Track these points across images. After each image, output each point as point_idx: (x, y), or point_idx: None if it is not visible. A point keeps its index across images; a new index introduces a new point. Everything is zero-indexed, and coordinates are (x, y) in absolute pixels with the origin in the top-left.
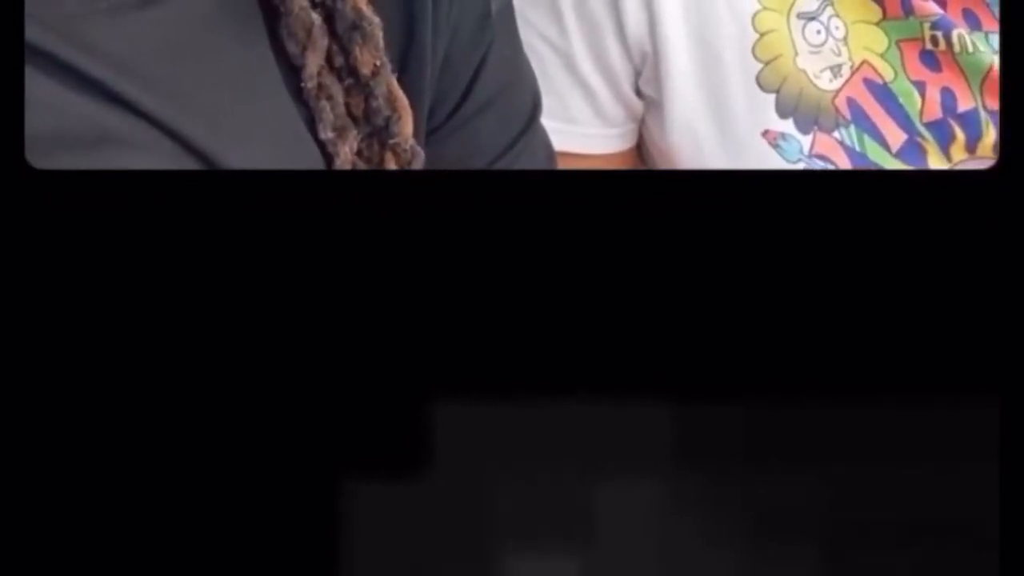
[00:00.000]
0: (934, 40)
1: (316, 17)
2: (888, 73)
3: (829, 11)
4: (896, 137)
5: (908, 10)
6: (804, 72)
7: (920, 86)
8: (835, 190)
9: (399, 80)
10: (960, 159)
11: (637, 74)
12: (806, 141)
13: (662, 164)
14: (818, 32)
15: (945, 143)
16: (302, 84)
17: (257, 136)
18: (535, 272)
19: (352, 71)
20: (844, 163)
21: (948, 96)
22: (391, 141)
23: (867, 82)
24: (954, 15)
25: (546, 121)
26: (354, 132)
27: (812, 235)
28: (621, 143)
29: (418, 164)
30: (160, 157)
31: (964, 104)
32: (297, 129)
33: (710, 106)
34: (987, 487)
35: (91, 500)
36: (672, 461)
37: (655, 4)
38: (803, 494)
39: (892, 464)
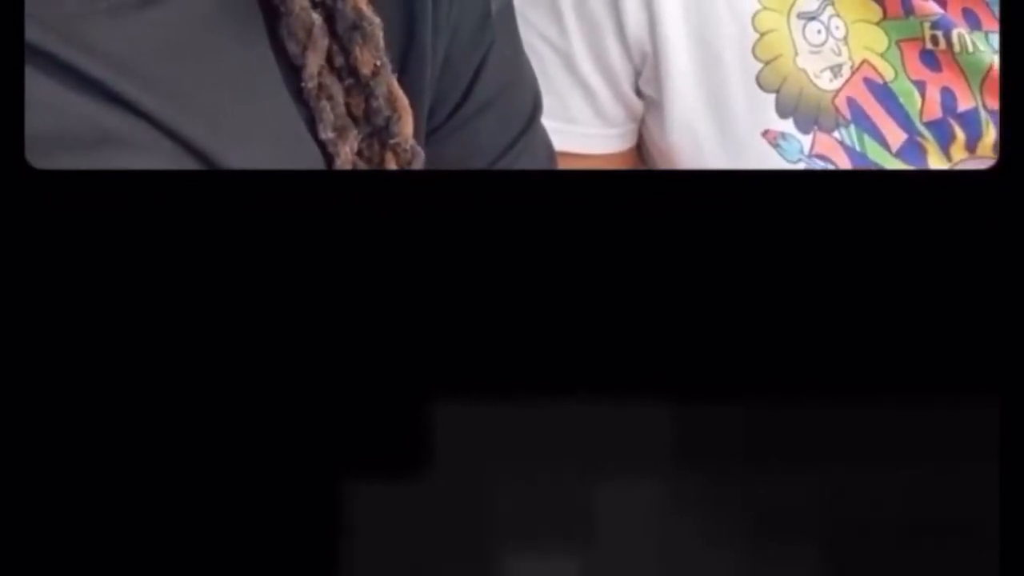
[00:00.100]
0: (934, 40)
1: (316, 17)
2: (888, 73)
3: (829, 11)
4: (896, 137)
5: (908, 10)
6: (804, 72)
7: (920, 86)
8: (835, 190)
9: (399, 80)
10: (960, 159)
11: (637, 74)
12: (806, 141)
13: (662, 164)
14: (818, 32)
15: (945, 143)
16: (302, 84)
17: (257, 136)
18: (535, 272)
19: (352, 71)
20: (844, 163)
21: (948, 96)
22: (391, 141)
23: (867, 82)
24: (954, 15)
25: (546, 121)
26: (354, 132)
27: (812, 235)
28: (621, 143)
29: (418, 164)
30: (160, 157)
31: (964, 104)
32: (297, 129)
33: (710, 106)
34: (987, 487)
35: (92, 500)
36: (672, 461)
37: (655, 4)
38: (803, 494)
39: (892, 464)
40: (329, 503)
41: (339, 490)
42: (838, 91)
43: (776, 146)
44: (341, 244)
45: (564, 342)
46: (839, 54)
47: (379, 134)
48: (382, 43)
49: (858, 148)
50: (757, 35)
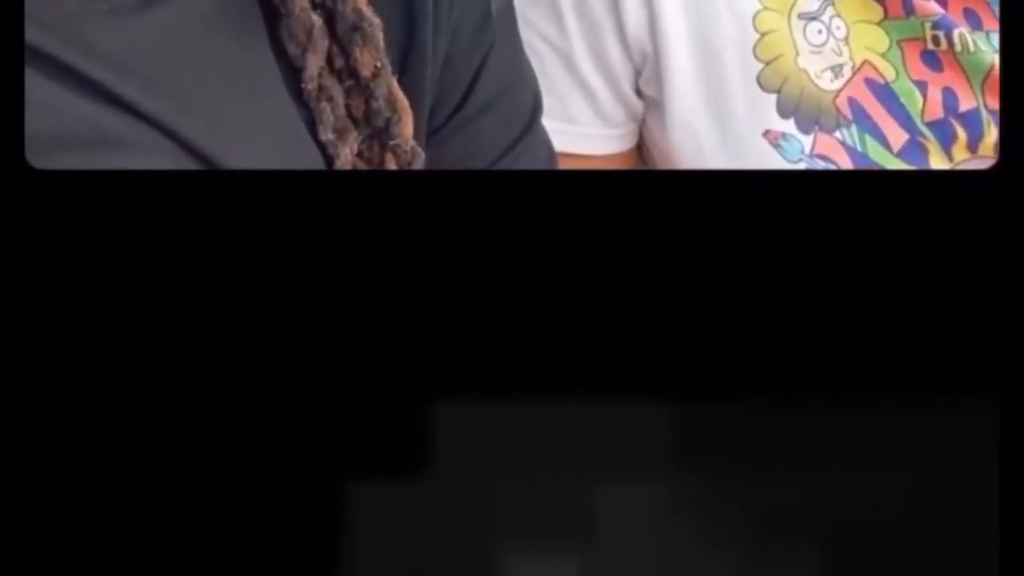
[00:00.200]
0: (935, 40)
1: (317, 18)
2: (890, 73)
3: (830, 11)
4: (898, 137)
5: (909, 10)
6: (805, 72)
7: (922, 86)
8: (834, 190)
9: (400, 81)
10: (962, 159)
11: (637, 74)
12: (807, 141)
13: (662, 164)
14: (819, 32)
15: (947, 143)
16: (302, 85)
17: (257, 138)
18: (535, 272)
19: (352, 72)
20: (846, 163)
21: (949, 96)
22: (391, 142)
23: (868, 82)
24: (955, 14)
25: (546, 121)
26: (354, 133)
27: (812, 235)
28: (621, 144)
29: (418, 165)
30: (160, 158)
31: (965, 104)
32: (297, 130)
33: (710, 106)
34: (987, 487)
35: (91, 500)
36: (672, 461)
37: (655, 3)
38: (803, 494)
39: (892, 464)
40: (329, 503)
41: (339, 490)
42: (839, 91)
43: (777, 146)
44: (341, 244)
45: (564, 342)
46: (840, 54)
47: (379, 135)
48: (382, 44)
49: (860, 148)
50: (758, 35)
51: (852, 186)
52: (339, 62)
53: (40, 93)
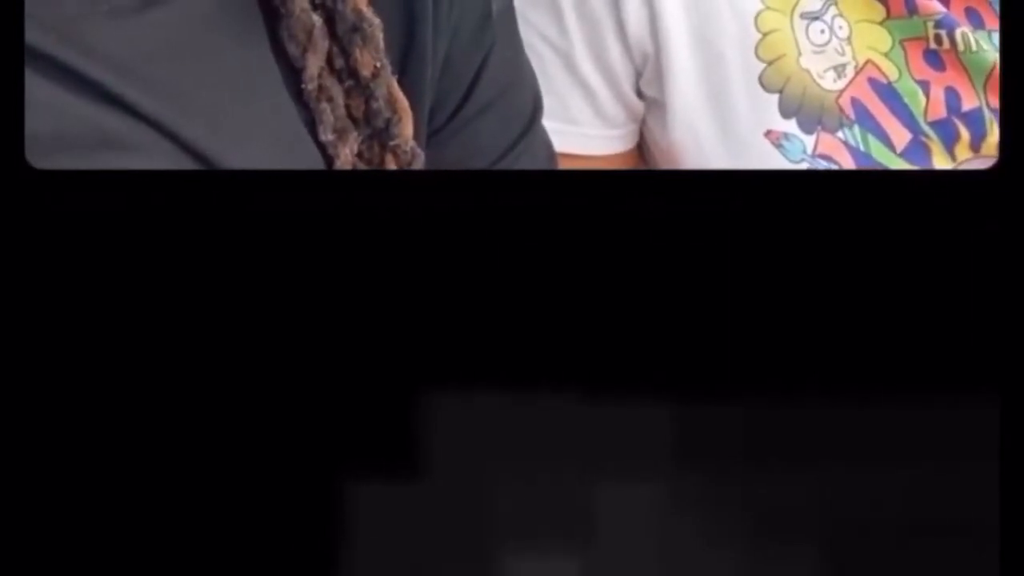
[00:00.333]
0: (938, 39)
1: (317, 19)
2: (892, 72)
3: (833, 11)
4: (901, 137)
5: (912, 9)
6: (808, 72)
7: (924, 85)
8: (835, 190)
9: (399, 81)
10: (965, 158)
11: (638, 75)
12: (809, 141)
13: (663, 164)
14: (822, 32)
15: (950, 142)
16: (302, 86)
17: (257, 138)
18: (535, 272)
19: (352, 73)
20: (848, 163)
21: (952, 95)
22: (391, 143)
23: (871, 82)
24: (958, 14)
25: (546, 122)
26: (354, 134)
27: (813, 235)
28: (622, 144)
29: (418, 165)
30: (160, 159)
31: (968, 103)
32: (297, 131)
33: (711, 106)
34: (987, 487)
35: (91, 500)
36: (672, 461)
37: (656, 3)
38: (803, 494)
39: (892, 464)
40: (329, 503)
41: (339, 490)
42: (842, 91)
43: (779, 146)
44: (341, 244)
45: (564, 342)
46: (843, 54)
47: (379, 136)
48: (382, 45)
49: (862, 148)
50: (760, 35)
51: (852, 186)
52: (339, 62)
53: (40, 94)
